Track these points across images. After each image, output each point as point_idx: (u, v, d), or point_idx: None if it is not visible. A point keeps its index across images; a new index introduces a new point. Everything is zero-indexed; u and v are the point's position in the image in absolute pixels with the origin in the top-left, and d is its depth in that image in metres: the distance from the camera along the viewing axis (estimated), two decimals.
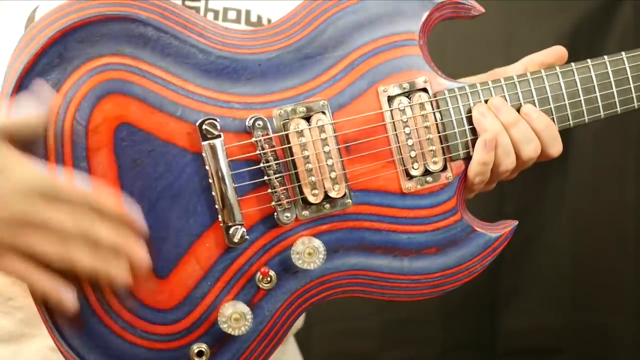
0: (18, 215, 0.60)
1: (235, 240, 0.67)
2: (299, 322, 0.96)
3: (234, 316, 0.67)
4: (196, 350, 0.67)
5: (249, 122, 0.69)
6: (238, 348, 0.68)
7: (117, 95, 0.66)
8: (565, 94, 0.75)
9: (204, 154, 0.67)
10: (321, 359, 1.43)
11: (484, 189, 0.77)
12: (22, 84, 0.63)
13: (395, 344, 1.46)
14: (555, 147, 0.76)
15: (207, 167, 0.67)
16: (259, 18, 0.85)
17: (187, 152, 0.68)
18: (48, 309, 0.64)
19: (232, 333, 0.67)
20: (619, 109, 0.77)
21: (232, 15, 0.84)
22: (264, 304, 0.69)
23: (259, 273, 0.68)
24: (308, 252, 0.69)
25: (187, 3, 0.83)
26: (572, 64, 0.76)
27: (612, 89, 0.76)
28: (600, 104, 0.76)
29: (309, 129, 0.70)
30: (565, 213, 1.43)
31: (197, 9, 0.83)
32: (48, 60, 0.64)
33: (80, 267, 0.62)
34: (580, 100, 0.76)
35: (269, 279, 0.68)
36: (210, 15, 0.84)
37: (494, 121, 0.73)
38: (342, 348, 1.46)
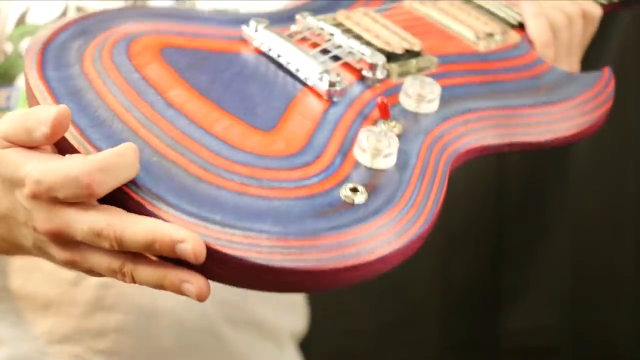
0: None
1: (332, 79, 0.60)
2: (302, 327, 0.96)
3: (372, 138, 0.55)
4: (349, 188, 0.53)
5: (296, 22, 0.67)
6: (396, 182, 0.55)
7: (150, 35, 0.63)
8: None
9: (262, 45, 0.64)
10: (320, 358, 1.43)
11: (562, 63, 0.75)
12: (44, 52, 0.60)
13: (394, 344, 1.46)
14: (593, 5, 0.78)
15: (271, 52, 0.63)
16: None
17: (244, 54, 0.64)
18: None
19: (383, 165, 0.55)
20: None
21: None
22: (400, 145, 0.57)
23: (380, 121, 0.59)
24: (420, 86, 0.61)
25: (178, 5, 0.83)
26: None
27: None
28: None
29: (355, 12, 0.69)
30: (566, 213, 1.43)
31: None
32: (68, 34, 0.62)
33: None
34: None
35: (392, 124, 0.59)
36: None
37: None
38: (341, 347, 1.46)
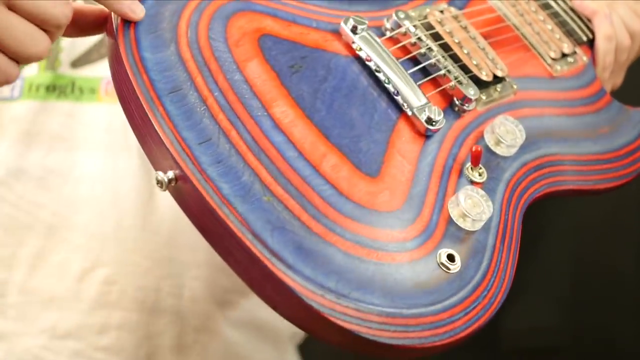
0: None
1: (433, 116, 0.59)
2: (303, 332, 0.96)
3: (470, 203, 0.57)
4: (445, 255, 0.55)
5: (391, 18, 0.65)
6: (484, 247, 0.57)
7: (245, 13, 0.60)
8: None
9: (360, 51, 0.62)
10: (320, 358, 1.42)
11: (606, 84, 0.78)
12: (137, 26, 0.56)
13: None
14: None
15: (369, 62, 0.61)
16: None
17: (341, 56, 0.62)
18: None
19: (473, 227, 0.56)
20: None
21: None
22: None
23: (468, 163, 0.60)
24: (505, 131, 0.62)
25: None
26: None
27: None
28: None
29: (447, 18, 0.68)
30: (566, 213, 1.43)
31: None
32: None
33: None
34: None
35: (479, 172, 0.60)
36: None
37: (597, 2, 0.77)
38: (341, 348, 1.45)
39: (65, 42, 0.78)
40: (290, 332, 0.93)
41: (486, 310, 0.56)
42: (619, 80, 0.80)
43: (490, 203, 0.58)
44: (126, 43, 0.54)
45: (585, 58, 0.75)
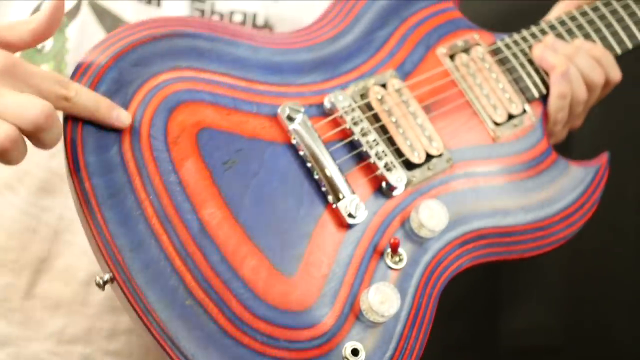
0: None
1: (353, 211, 0.63)
2: None
3: (379, 299, 0.60)
4: (350, 350, 0.59)
5: (329, 100, 0.67)
6: (391, 337, 0.62)
7: (187, 104, 0.63)
8: (612, 20, 0.78)
9: (294, 140, 0.65)
10: None
11: (560, 133, 0.78)
12: (84, 126, 0.60)
13: None
14: (616, 72, 0.79)
15: (301, 152, 0.64)
16: (266, 21, 0.85)
17: (277, 144, 0.65)
18: None
19: (381, 320, 0.60)
20: None
21: (238, 17, 0.84)
22: (400, 284, 0.63)
23: (388, 249, 0.63)
24: (428, 216, 0.65)
25: (194, 5, 0.82)
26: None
27: None
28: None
29: (388, 94, 0.69)
30: None
31: (202, 11, 0.82)
32: (106, 88, 0.62)
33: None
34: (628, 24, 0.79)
35: (398, 257, 0.64)
36: (215, 18, 0.84)
37: (557, 55, 0.76)
38: None
39: (71, 44, 0.78)
40: None
41: None
42: (578, 123, 0.80)
43: (398, 297, 0.61)
44: (73, 147, 0.58)
45: (534, 118, 0.75)
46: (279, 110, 0.65)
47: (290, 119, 0.65)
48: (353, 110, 0.67)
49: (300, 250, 0.62)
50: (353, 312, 0.61)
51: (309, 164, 0.64)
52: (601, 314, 1.43)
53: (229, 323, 0.56)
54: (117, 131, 0.60)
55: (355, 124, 0.67)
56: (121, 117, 0.59)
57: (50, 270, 0.78)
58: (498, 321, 1.46)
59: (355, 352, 0.59)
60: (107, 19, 0.79)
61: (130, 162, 0.58)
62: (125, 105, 0.61)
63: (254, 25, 0.85)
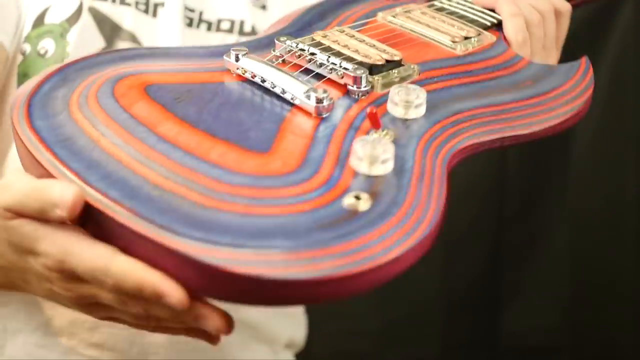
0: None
1: (320, 96, 0.60)
2: (301, 337, 0.96)
3: (368, 147, 0.55)
4: (352, 196, 0.53)
5: (276, 47, 0.67)
6: (397, 186, 0.55)
7: (134, 76, 0.63)
8: None
9: (245, 73, 0.64)
10: (320, 359, 1.43)
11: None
12: (30, 104, 0.60)
13: (394, 344, 1.46)
14: (563, 2, 0.79)
15: (254, 78, 0.63)
16: (253, 28, 0.86)
17: (229, 83, 0.64)
18: None
19: (384, 170, 0.55)
20: None
21: (225, 25, 0.86)
22: (395, 151, 0.57)
23: (372, 131, 0.59)
24: (405, 92, 0.61)
25: (186, 13, 0.84)
26: None
27: None
28: None
29: (334, 32, 0.70)
30: (565, 213, 1.43)
31: (191, 20, 0.84)
32: (51, 84, 0.62)
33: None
34: None
35: (384, 132, 0.59)
36: (203, 27, 0.85)
37: None
38: (341, 348, 1.46)
39: (71, 48, 0.79)
40: (287, 338, 0.93)
41: (408, 237, 0.52)
42: (552, 58, 0.79)
43: (387, 141, 0.56)
44: (20, 116, 0.58)
45: (493, 37, 0.74)
46: (224, 57, 0.65)
47: (237, 59, 0.65)
48: (298, 44, 0.66)
49: (271, 136, 0.58)
50: (348, 172, 0.56)
51: (265, 84, 0.63)
52: (601, 314, 1.43)
53: (202, 196, 0.52)
54: (64, 103, 0.60)
55: (302, 50, 0.66)
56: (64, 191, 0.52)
57: None
58: (498, 321, 1.46)
59: (357, 197, 0.53)
60: (107, 25, 0.81)
61: (80, 119, 0.58)
62: (72, 89, 0.62)
63: (241, 32, 0.87)
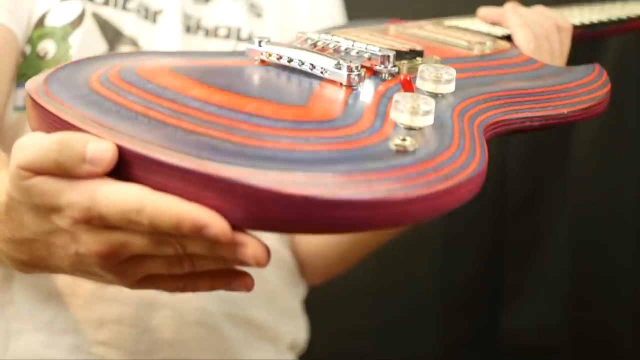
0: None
1: (352, 65, 0.59)
2: (302, 339, 0.96)
3: (409, 98, 0.54)
4: (399, 139, 0.51)
5: (297, 41, 0.67)
6: (439, 135, 0.54)
7: (154, 60, 0.64)
8: None
9: (270, 57, 0.63)
10: (320, 358, 1.43)
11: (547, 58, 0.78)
12: (48, 83, 0.58)
13: (394, 344, 1.46)
14: (563, 20, 0.81)
15: (280, 60, 0.62)
16: (250, 36, 0.87)
17: (250, 66, 0.63)
18: None
19: (420, 123, 0.53)
20: None
21: (223, 32, 0.87)
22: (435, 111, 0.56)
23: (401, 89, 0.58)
24: (435, 70, 0.60)
25: (184, 21, 0.85)
26: None
27: None
28: None
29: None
30: (566, 213, 1.43)
31: (188, 27, 0.85)
32: (67, 71, 0.60)
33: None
34: None
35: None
36: (201, 33, 0.86)
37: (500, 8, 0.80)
38: (341, 348, 1.46)
39: (74, 51, 0.79)
40: (290, 339, 0.93)
41: (462, 169, 0.50)
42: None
43: (426, 97, 0.55)
44: (39, 92, 0.55)
45: (505, 44, 0.75)
46: (247, 45, 0.64)
47: (260, 44, 0.63)
48: (320, 35, 0.66)
49: (306, 95, 0.57)
50: (388, 122, 0.54)
51: (292, 63, 0.61)
52: (601, 314, 1.43)
53: (243, 137, 0.49)
54: (84, 79, 0.57)
55: (325, 40, 0.65)
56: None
57: None
58: (498, 321, 1.46)
59: (404, 140, 0.51)
60: (109, 30, 0.81)
61: (103, 90, 0.56)
62: (90, 72, 0.59)
63: (239, 39, 0.87)
